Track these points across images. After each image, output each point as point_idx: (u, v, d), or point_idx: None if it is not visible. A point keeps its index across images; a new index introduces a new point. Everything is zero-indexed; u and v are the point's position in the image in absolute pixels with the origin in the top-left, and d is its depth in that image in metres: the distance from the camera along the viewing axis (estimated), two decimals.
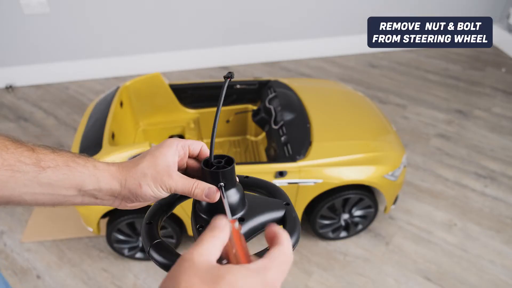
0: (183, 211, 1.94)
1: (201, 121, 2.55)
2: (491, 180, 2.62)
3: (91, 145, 1.90)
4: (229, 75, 0.57)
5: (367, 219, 2.18)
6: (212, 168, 0.56)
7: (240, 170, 1.83)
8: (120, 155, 1.81)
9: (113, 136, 2.00)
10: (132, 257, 2.14)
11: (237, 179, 0.60)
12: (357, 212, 2.14)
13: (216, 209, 0.56)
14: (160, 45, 3.70)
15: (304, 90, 2.35)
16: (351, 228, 2.21)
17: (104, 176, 0.55)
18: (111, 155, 1.82)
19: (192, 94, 2.47)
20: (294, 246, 0.54)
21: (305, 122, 2.09)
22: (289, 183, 1.89)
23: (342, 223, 2.17)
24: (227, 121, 2.59)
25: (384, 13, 3.86)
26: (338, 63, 3.95)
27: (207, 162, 0.58)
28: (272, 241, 0.43)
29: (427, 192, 2.53)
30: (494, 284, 2.04)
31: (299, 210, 2.04)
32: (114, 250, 2.12)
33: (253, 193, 0.64)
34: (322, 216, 2.11)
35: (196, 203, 0.60)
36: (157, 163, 0.56)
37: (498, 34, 4.15)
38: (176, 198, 0.65)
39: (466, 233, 2.29)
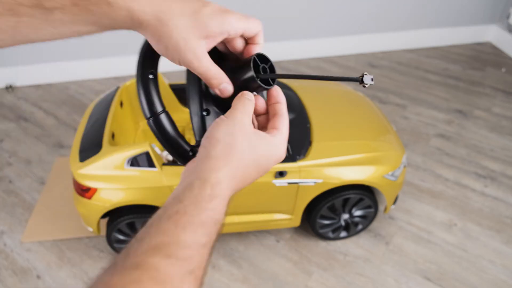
0: None
1: None
2: (491, 180, 2.62)
3: (91, 145, 1.90)
4: (366, 82, 0.44)
5: (367, 219, 2.18)
6: (258, 79, 0.51)
7: None
8: (120, 155, 1.81)
9: (113, 136, 2.00)
10: None
11: None
12: (357, 212, 2.14)
13: (227, 102, 0.52)
14: None
15: (304, 90, 2.35)
16: (351, 228, 2.21)
17: (120, 15, 0.46)
18: (111, 155, 1.82)
19: None
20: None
21: (305, 122, 2.09)
22: (289, 183, 1.89)
23: (342, 223, 2.17)
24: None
25: (384, 13, 3.86)
26: (338, 63, 3.95)
27: (256, 63, 0.51)
28: (279, 115, 0.53)
29: (427, 192, 2.53)
30: (494, 284, 2.04)
31: (299, 210, 2.04)
32: (114, 250, 2.12)
33: None
34: (322, 216, 2.11)
35: (205, 89, 0.55)
36: (193, 30, 0.46)
37: (498, 34, 4.16)
38: None
39: (466, 233, 2.29)
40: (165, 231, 0.38)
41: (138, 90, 0.53)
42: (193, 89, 0.56)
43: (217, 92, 0.52)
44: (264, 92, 0.56)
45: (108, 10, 0.45)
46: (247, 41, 0.53)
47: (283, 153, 0.52)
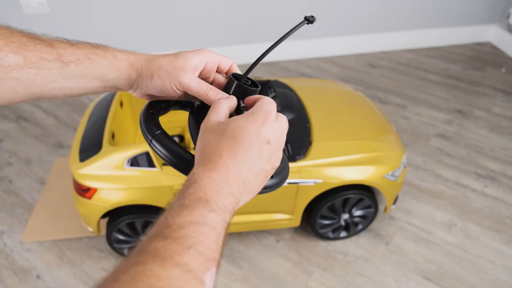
0: None
1: None
2: (491, 180, 2.62)
3: (91, 145, 1.90)
4: (311, 19, 0.55)
5: (367, 219, 2.18)
6: (241, 82, 0.57)
7: None
8: (120, 155, 1.81)
9: (113, 136, 2.00)
10: None
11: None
12: (357, 212, 2.14)
13: None
14: (160, 45, 3.70)
15: (304, 90, 2.35)
16: (351, 228, 2.21)
17: (123, 65, 0.58)
18: (111, 155, 1.82)
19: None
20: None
21: (305, 122, 2.09)
22: (289, 183, 1.89)
23: (342, 223, 2.17)
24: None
25: (384, 13, 3.86)
26: (338, 63, 3.95)
27: (235, 77, 0.59)
28: (254, 102, 0.56)
29: (427, 192, 2.53)
30: (494, 284, 2.04)
31: (299, 210, 2.04)
32: (114, 250, 2.12)
33: None
34: (322, 216, 2.11)
35: (204, 110, 0.61)
36: (176, 60, 0.57)
37: (498, 34, 4.15)
38: (177, 102, 0.65)
39: (466, 233, 2.29)
40: (158, 223, 0.43)
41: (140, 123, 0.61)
42: (192, 120, 0.63)
43: None
44: None
45: (114, 61, 0.58)
46: (226, 75, 0.63)
47: (266, 105, 0.53)
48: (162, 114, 0.63)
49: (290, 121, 2.12)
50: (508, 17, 4.00)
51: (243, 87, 0.57)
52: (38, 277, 2.10)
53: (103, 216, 1.95)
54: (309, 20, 0.54)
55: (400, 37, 4.07)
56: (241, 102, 0.58)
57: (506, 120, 3.14)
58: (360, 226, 2.21)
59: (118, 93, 2.22)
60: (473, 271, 2.09)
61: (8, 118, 3.24)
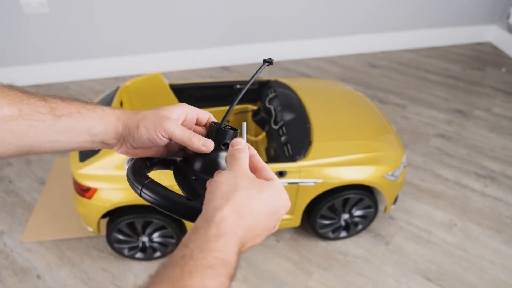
0: None
1: None
2: (491, 180, 2.62)
3: None
4: (270, 61, 0.63)
5: (367, 219, 2.18)
6: (221, 126, 0.62)
7: None
8: (120, 155, 1.82)
9: None
10: (132, 257, 2.14)
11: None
12: (357, 212, 2.14)
13: (210, 165, 0.62)
14: (160, 45, 3.70)
15: (304, 90, 2.35)
16: (351, 228, 2.21)
17: (111, 118, 0.61)
18: (111, 155, 1.82)
19: (192, 94, 2.47)
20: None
21: (305, 122, 2.09)
22: (289, 183, 1.89)
23: (342, 223, 2.17)
24: (227, 121, 2.59)
25: (384, 13, 3.86)
26: (338, 63, 3.95)
27: (215, 123, 0.64)
28: (267, 178, 0.55)
29: (427, 192, 2.53)
30: (494, 284, 2.04)
31: (299, 210, 2.04)
32: (114, 250, 2.12)
33: None
34: (322, 216, 2.11)
35: (188, 161, 0.65)
36: (160, 111, 0.61)
37: (498, 34, 4.16)
38: (159, 161, 0.67)
39: (466, 233, 2.29)
40: (170, 278, 0.38)
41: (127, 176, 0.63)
42: (178, 174, 0.65)
43: (203, 149, 0.60)
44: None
45: (103, 114, 0.60)
46: (205, 128, 0.67)
47: (288, 200, 0.54)
48: (147, 172, 0.64)
49: (290, 121, 2.12)
50: (508, 17, 4.00)
51: (223, 130, 0.61)
52: (38, 277, 2.10)
53: (103, 216, 1.95)
54: (268, 62, 0.63)
55: (400, 37, 4.07)
56: (226, 141, 0.62)
57: (506, 120, 3.14)
58: (360, 226, 2.21)
59: (118, 93, 2.22)
60: (473, 271, 2.09)
61: None
